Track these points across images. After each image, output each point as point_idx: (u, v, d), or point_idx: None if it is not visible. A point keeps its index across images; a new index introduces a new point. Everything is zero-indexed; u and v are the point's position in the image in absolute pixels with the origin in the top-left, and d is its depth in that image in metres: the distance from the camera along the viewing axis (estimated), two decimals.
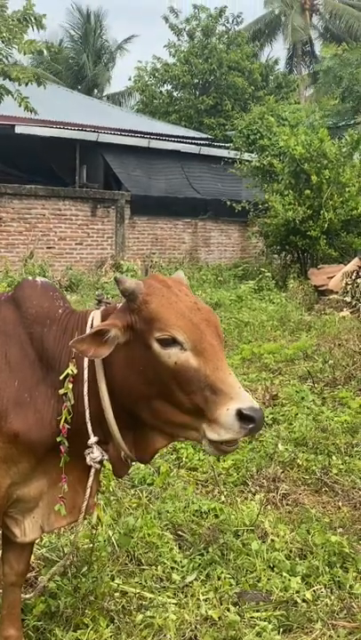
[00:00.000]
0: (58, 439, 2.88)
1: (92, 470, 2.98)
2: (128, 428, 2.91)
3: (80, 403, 2.89)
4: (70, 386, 2.88)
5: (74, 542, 3.67)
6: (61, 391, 2.88)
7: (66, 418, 2.88)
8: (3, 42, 14.92)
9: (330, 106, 23.41)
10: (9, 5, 15.01)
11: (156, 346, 2.72)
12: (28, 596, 3.53)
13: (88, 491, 3.01)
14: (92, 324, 2.93)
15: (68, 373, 2.88)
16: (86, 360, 2.87)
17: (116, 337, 2.74)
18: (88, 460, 2.95)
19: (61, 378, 2.89)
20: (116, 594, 3.82)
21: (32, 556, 3.60)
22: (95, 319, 2.95)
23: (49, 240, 18.73)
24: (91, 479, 3.00)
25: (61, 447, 2.90)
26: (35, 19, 14.46)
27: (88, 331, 2.89)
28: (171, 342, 2.70)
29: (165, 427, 2.84)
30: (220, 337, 2.83)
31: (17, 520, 3.10)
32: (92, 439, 2.92)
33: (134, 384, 2.80)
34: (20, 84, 14.47)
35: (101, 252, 19.66)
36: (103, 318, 2.92)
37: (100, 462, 2.98)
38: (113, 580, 3.92)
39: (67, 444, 2.90)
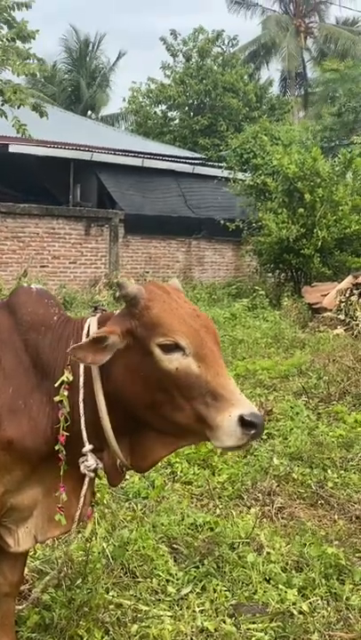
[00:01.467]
0: (56, 447, 2.86)
1: (87, 479, 2.96)
2: (124, 435, 2.89)
3: (75, 410, 2.86)
4: (66, 393, 2.86)
5: (67, 553, 3.65)
6: (56, 398, 2.86)
7: (63, 425, 2.86)
8: None
9: (328, 122, 23.56)
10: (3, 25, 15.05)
11: (157, 351, 2.71)
12: (21, 607, 3.50)
13: (82, 500, 2.99)
14: (88, 331, 2.92)
15: (63, 380, 2.86)
16: (82, 367, 2.85)
17: (115, 343, 2.73)
18: (82, 468, 2.92)
19: (57, 385, 2.87)
20: (111, 606, 3.78)
21: (26, 569, 3.57)
22: (92, 326, 2.93)
23: (43, 259, 18.72)
24: (85, 488, 2.97)
25: (60, 455, 2.87)
26: (28, 35, 14.50)
27: (84, 338, 2.88)
28: (173, 348, 2.69)
29: (171, 431, 2.82)
30: (219, 343, 2.83)
31: (10, 530, 3.07)
32: (87, 447, 2.89)
33: (134, 390, 2.78)
34: (12, 106, 14.46)
35: (95, 270, 19.66)
36: (99, 325, 2.90)
37: (95, 471, 2.95)
38: (108, 592, 3.88)
39: (65, 452, 2.88)
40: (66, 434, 2.85)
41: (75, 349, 2.70)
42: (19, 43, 14.52)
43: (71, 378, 2.86)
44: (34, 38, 14.59)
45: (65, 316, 3.08)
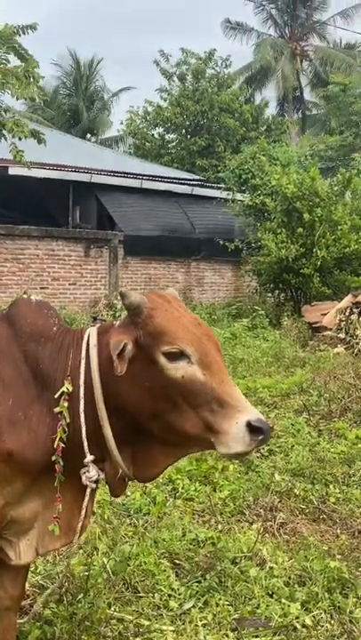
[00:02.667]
0: (53, 458, 2.84)
1: (88, 490, 2.94)
2: (126, 445, 2.88)
3: (76, 420, 2.85)
4: (66, 404, 2.85)
5: (67, 567, 3.62)
6: (57, 409, 2.85)
7: (61, 436, 2.84)
8: None
9: (330, 141, 23.65)
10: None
11: (162, 360, 2.71)
12: (22, 620, 3.47)
13: (83, 511, 2.97)
14: (88, 342, 2.92)
15: (63, 391, 2.86)
16: (82, 377, 2.85)
17: (130, 351, 2.73)
18: (84, 479, 2.90)
19: (57, 396, 2.86)
20: (113, 620, 3.75)
21: (27, 584, 3.54)
22: (91, 337, 2.93)
23: (42, 280, 18.72)
24: (86, 499, 2.95)
25: (56, 466, 2.86)
26: (33, 77, 14.52)
27: (84, 348, 2.88)
28: (178, 356, 2.70)
29: (177, 440, 2.82)
30: (221, 352, 2.84)
31: (11, 542, 3.04)
32: (89, 457, 2.88)
33: (139, 400, 2.78)
34: (13, 137, 14.50)
35: (95, 292, 19.66)
36: (99, 336, 2.90)
37: (97, 482, 2.94)
38: (109, 607, 3.85)
39: (62, 463, 2.86)
40: (62, 445, 2.84)
41: (119, 365, 2.69)
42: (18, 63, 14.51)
43: (71, 388, 2.86)
44: (38, 82, 14.61)
45: (64, 326, 3.08)
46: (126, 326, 2.81)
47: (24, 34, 14.15)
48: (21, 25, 14.08)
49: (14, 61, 14.26)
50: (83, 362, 2.88)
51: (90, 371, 2.86)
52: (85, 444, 2.86)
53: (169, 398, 2.72)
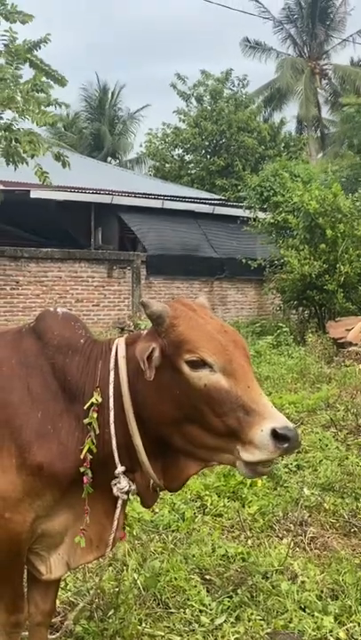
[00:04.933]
0: (81, 470, 2.84)
1: (120, 501, 2.93)
2: (156, 455, 2.87)
3: (106, 431, 2.85)
4: (95, 415, 2.84)
5: (98, 584, 3.59)
6: (86, 421, 2.85)
7: (90, 448, 2.83)
8: (17, 112, 15.09)
9: (347, 161, 23.60)
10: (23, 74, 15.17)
11: (185, 368, 2.69)
12: (53, 637, 3.44)
13: (115, 523, 2.95)
14: (116, 352, 2.91)
15: (92, 402, 2.85)
16: (112, 388, 2.85)
17: (158, 358, 2.73)
18: (115, 490, 2.89)
19: (86, 407, 2.85)
20: (145, 637, 3.71)
21: (58, 601, 3.52)
22: (119, 347, 2.93)
23: (66, 302, 18.77)
24: (118, 511, 2.94)
25: (84, 478, 2.85)
26: (42, 90, 14.59)
27: (112, 359, 2.88)
28: (200, 364, 2.68)
29: (199, 451, 2.79)
30: (249, 358, 2.81)
31: (42, 557, 3.04)
32: (119, 469, 2.88)
33: (165, 409, 2.76)
34: (27, 156, 14.57)
35: (118, 312, 19.70)
36: (127, 346, 2.90)
37: (128, 493, 2.92)
38: (140, 623, 3.82)
39: (90, 474, 2.85)
40: (90, 456, 2.83)
41: (147, 370, 2.69)
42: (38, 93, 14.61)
43: (100, 399, 2.86)
44: (56, 105, 14.67)
45: (91, 338, 3.08)
46: (152, 335, 2.80)
47: (39, 49, 14.23)
48: (34, 40, 14.14)
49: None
50: (112, 373, 2.88)
51: (119, 381, 2.85)
52: (116, 454, 2.85)
53: (194, 407, 2.70)
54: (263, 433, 2.57)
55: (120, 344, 2.94)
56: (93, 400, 2.86)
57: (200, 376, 2.67)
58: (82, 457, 2.83)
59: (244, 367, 2.71)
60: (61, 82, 14.31)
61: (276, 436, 2.56)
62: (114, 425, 2.84)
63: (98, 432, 2.85)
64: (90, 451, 2.83)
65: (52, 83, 14.51)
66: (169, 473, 2.90)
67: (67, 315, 3.13)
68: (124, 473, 2.89)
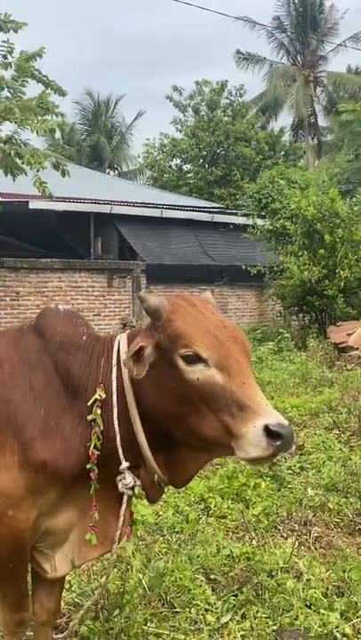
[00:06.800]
0: (88, 466, 2.83)
1: (125, 497, 2.92)
2: (160, 450, 2.86)
3: (110, 428, 2.84)
4: (99, 411, 2.84)
5: (104, 585, 3.58)
6: (90, 417, 2.84)
7: (95, 444, 2.83)
8: (16, 123, 15.13)
9: (345, 163, 23.61)
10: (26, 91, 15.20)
11: (181, 363, 2.68)
12: (59, 636, 3.43)
13: (121, 519, 2.94)
14: (118, 348, 2.91)
15: (96, 399, 2.85)
16: (115, 384, 2.84)
17: (150, 355, 2.72)
18: (120, 486, 2.89)
19: (89, 403, 2.85)
20: (150, 637, 3.70)
21: (62, 602, 3.51)
22: (122, 342, 2.92)
23: None
24: (123, 507, 2.93)
25: (91, 474, 2.84)
26: (48, 109, 14.63)
27: (115, 355, 2.88)
28: (195, 359, 2.66)
29: (200, 445, 2.78)
30: (248, 354, 2.78)
31: (46, 555, 3.03)
32: (124, 464, 2.87)
33: (164, 404, 2.75)
34: (31, 169, 14.61)
35: (119, 322, 19.68)
36: (129, 341, 2.89)
37: (133, 488, 2.91)
38: (146, 623, 3.81)
39: (97, 470, 2.84)
40: (97, 452, 2.82)
41: (126, 361, 2.70)
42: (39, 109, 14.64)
43: (104, 395, 2.85)
44: (54, 112, 14.69)
45: (94, 334, 3.07)
46: (149, 330, 2.80)
47: (34, 61, 14.28)
48: (29, 53, 14.18)
49: (36, 88, 14.32)
50: (114, 369, 2.87)
51: (122, 377, 2.85)
52: (120, 450, 2.84)
53: (190, 402, 2.68)
54: (256, 429, 2.54)
55: (122, 340, 2.94)
56: (97, 396, 2.85)
57: (195, 371, 2.66)
58: (90, 453, 2.82)
59: (240, 363, 2.69)
60: (61, 92, 14.34)
61: (269, 432, 2.52)
62: (117, 421, 2.83)
63: (102, 428, 2.84)
64: (94, 447, 2.83)
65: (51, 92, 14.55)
66: (173, 468, 2.90)
67: (68, 312, 3.13)
68: (129, 469, 2.88)
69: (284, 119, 43.16)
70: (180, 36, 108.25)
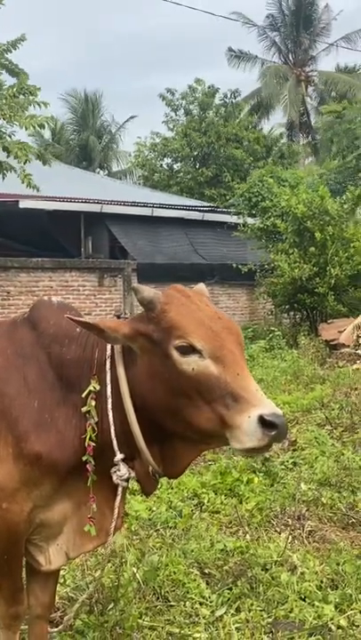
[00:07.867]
0: (84, 458, 2.82)
1: (120, 489, 2.91)
2: (154, 441, 2.85)
3: (104, 419, 2.83)
4: (93, 403, 2.83)
5: (98, 579, 3.58)
6: (84, 409, 2.83)
7: (90, 436, 2.82)
8: (4, 119, 15.09)
9: (332, 166, 23.66)
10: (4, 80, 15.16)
11: (175, 354, 2.67)
12: (54, 630, 3.42)
13: (116, 511, 2.93)
14: None
15: (90, 390, 2.84)
16: (109, 375, 2.83)
17: (115, 338, 2.78)
18: (115, 478, 2.88)
19: (84, 395, 2.84)
20: (145, 630, 3.70)
21: (57, 596, 3.51)
22: None
23: None
24: (118, 498, 2.92)
25: (88, 466, 2.84)
26: (30, 92, 14.60)
27: (108, 346, 2.87)
28: (189, 350, 2.66)
29: (194, 436, 2.77)
30: (242, 346, 2.79)
31: (41, 548, 3.02)
32: (119, 456, 2.86)
33: (158, 395, 2.75)
34: (19, 162, 14.59)
35: (113, 314, 19.65)
36: None
37: (127, 480, 2.91)
38: (140, 617, 3.81)
39: (93, 462, 2.84)
40: (93, 444, 2.82)
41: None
42: (22, 96, 14.62)
43: (98, 387, 2.84)
44: (36, 95, 14.69)
45: None
46: (140, 319, 2.80)
47: (14, 49, 14.28)
48: (10, 41, 14.19)
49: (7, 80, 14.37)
50: (108, 360, 2.86)
51: (115, 369, 2.84)
52: (115, 442, 2.83)
53: (184, 393, 2.67)
54: (251, 419, 2.53)
55: None
56: (91, 388, 2.84)
57: (189, 362, 2.65)
58: (86, 444, 2.81)
59: (234, 354, 2.69)
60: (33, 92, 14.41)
61: (263, 422, 2.52)
62: (112, 412, 2.82)
63: (97, 420, 2.83)
64: (90, 438, 2.82)
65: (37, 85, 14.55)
66: (167, 459, 2.89)
67: (62, 304, 3.13)
68: (123, 460, 2.88)
69: (277, 118, 43.23)
70: (179, 36, 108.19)
